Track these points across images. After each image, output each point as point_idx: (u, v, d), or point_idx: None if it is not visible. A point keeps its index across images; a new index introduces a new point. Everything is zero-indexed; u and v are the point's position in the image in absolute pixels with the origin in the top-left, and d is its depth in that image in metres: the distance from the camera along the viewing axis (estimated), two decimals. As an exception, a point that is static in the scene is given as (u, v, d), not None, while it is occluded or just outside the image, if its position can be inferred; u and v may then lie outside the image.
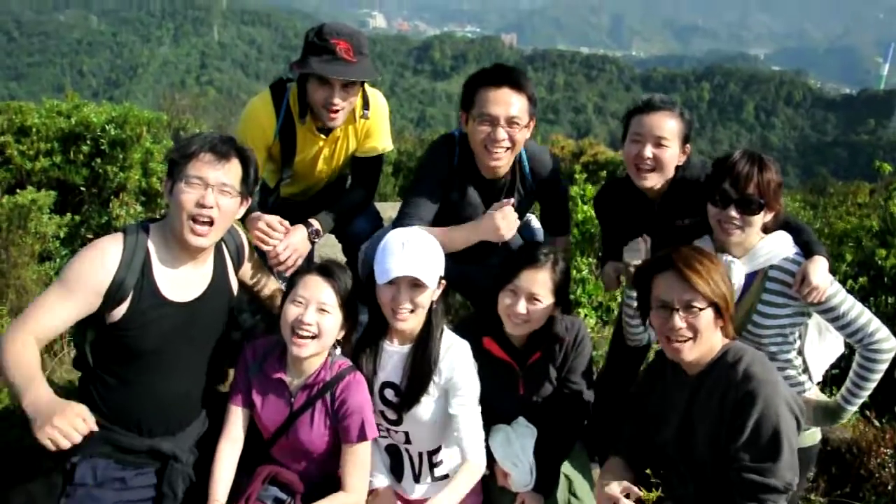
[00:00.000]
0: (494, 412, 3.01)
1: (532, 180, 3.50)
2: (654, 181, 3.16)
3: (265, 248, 3.16)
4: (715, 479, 2.49)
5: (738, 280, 2.86)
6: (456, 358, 2.80)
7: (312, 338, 2.66)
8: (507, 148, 3.23)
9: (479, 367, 2.89)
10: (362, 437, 2.69)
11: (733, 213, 2.82)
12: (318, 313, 2.67)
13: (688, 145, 3.23)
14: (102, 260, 2.54)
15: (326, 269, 2.75)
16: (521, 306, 2.90)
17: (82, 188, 6.21)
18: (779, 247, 2.89)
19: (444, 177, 3.39)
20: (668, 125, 3.12)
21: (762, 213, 2.83)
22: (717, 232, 2.92)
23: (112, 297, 2.54)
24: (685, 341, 2.50)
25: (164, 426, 2.76)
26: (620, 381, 3.69)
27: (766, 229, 2.92)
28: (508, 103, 3.18)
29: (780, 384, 2.46)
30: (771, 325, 2.89)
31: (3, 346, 2.44)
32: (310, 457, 2.77)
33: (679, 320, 2.49)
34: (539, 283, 2.91)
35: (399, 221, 3.28)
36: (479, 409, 2.82)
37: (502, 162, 3.29)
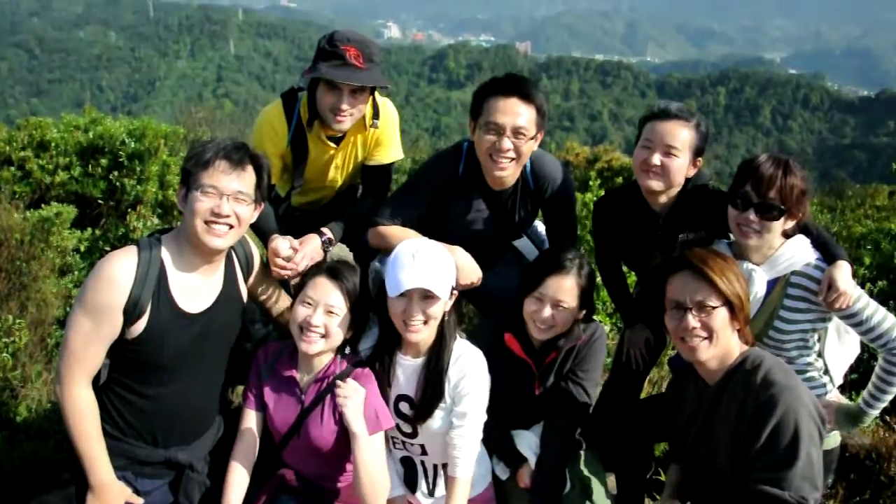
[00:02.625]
0: (508, 411, 3.00)
1: (538, 192, 3.47)
2: (659, 186, 3.13)
3: (279, 273, 3.15)
4: (734, 490, 2.46)
5: (761, 288, 2.83)
6: (466, 366, 2.79)
7: (321, 337, 2.69)
8: (512, 159, 3.22)
9: (497, 364, 2.88)
10: (373, 428, 2.68)
11: (752, 216, 2.79)
12: (326, 315, 2.70)
13: (699, 159, 3.18)
14: (118, 279, 2.54)
15: (335, 271, 2.78)
16: (547, 312, 2.91)
17: (100, 201, 6.29)
18: (800, 252, 2.86)
19: (440, 188, 3.37)
20: (681, 135, 3.09)
21: (782, 219, 2.79)
22: (736, 235, 2.89)
23: (130, 314, 2.56)
24: (701, 340, 2.48)
25: (180, 437, 2.79)
26: (625, 391, 3.68)
27: (787, 234, 2.88)
28: (516, 113, 3.17)
29: (801, 390, 2.41)
30: (793, 330, 2.86)
31: (69, 401, 2.54)
32: (321, 456, 2.77)
33: (693, 319, 2.46)
34: (565, 289, 2.91)
35: (374, 217, 3.31)
36: (481, 420, 2.80)
37: (506, 173, 3.28)
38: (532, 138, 3.23)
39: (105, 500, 2.58)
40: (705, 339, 2.47)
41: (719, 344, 2.48)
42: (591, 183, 7.67)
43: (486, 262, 3.46)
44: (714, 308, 2.45)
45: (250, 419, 2.82)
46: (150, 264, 2.60)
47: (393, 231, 3.22)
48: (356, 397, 2.62)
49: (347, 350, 2.86)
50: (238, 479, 2.71)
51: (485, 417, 2.80)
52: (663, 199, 3.19)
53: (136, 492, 2.72)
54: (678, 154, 3.08)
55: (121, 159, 6.30)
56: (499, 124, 3.16)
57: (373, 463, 2.63)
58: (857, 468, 3.99)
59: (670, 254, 2.85)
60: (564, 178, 3.51)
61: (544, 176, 3.44)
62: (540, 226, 3.86)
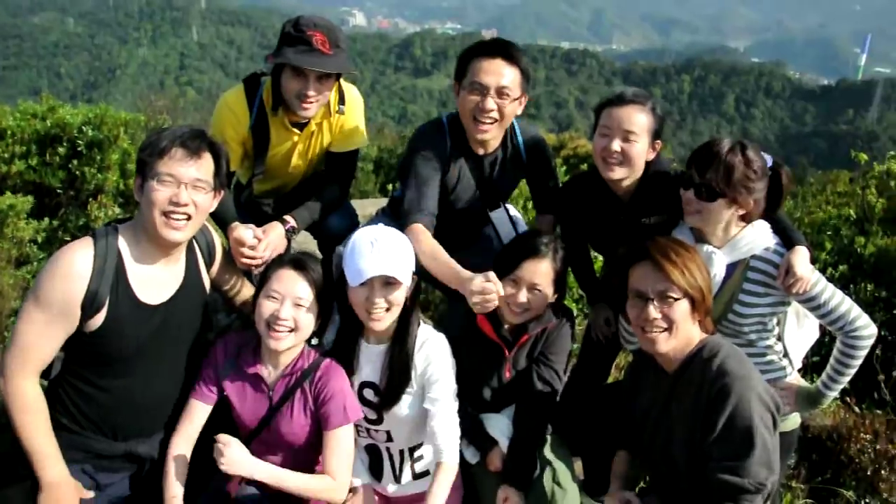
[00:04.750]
0: (480, 395, 2.99)
1: (523, 156, 3.47)
2: (621, 174, 3.13)
3: (244, 263, 3.08)
4: (690, 478, 2.48)
5: (720, 271, 2.85)
6: (432, 352, 2.77)
7: (289, 331, 2.64)
8: (495, 120, 3.21)
9: (469, 348, 2.86)
10: (343, 421, 2.65)
11: (691, 196, 2.81)
12: (294, 308, 2.64)
13: (658, 141, 3.19)
14: (75, 273, 2.46)
15: (300, 263, 2.72)
16: (523, 296, 2.91)
17: (59, 191, 6.14)
18: (759, 237, 2.88)
19: (441, 161, 3.33)
20: (638, 119, 3.09)
21: (723, 202, 2.77)
22: (684, 215, 2.91)
23: (88, 307, 2.48)
24: (661, 332, 2.48)
25: (140, 429, 2.73)
26: (592, 376, 3.71)
27: (748, 219, 2.90)
28: (500, 74, 3.17)
29: (754, 379, 2.43)
30: (751, 314, 2.89)
31: (14, 394, 2.45)
32: (290, 448, 2.73)
33: (654, 310, 2.47)
34: (540, 273, 2.91)
35: (407, 217, 3.18)
36: (455, 405, 2.78)
37: (489, 135, 3.27)
38: (516, 100, 3.23)
39: (56, 498, 2.49)
40: (665, 330, 2.48)
41: (679, 335, 2.49)
42: (556, 170, 7.68)
43: (464, 241, 3.44)
44: (676, 300, 2.46)
45: (196, 409, 2.73)
46: (107, 256, 2.52)
47: (434, 252, 3.06)
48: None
49: (314, 341, 2.81)
50: (179, 469, 2.63)
51: (456, 401, 2.78)
52: (626, 183, 3.20)
53: (97, 485, 2.65)
54: (636, 139, 3.08)
55: (80, 148, 6.15)
56: (483, 84, 3.15)
57: (344, 456, 2.64)
58: (818, 449, 4.08)
59: (634, 238, 2.86)
60: (544, 144, 3.55)
61: (527, 139, 3.46)
62: (511, 209, 3.86)
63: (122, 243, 2.60)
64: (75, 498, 2.54)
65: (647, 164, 3.21)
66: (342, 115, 3.56)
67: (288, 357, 2.74)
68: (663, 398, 2.59)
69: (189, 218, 2.56)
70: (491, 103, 3.16)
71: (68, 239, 5.61)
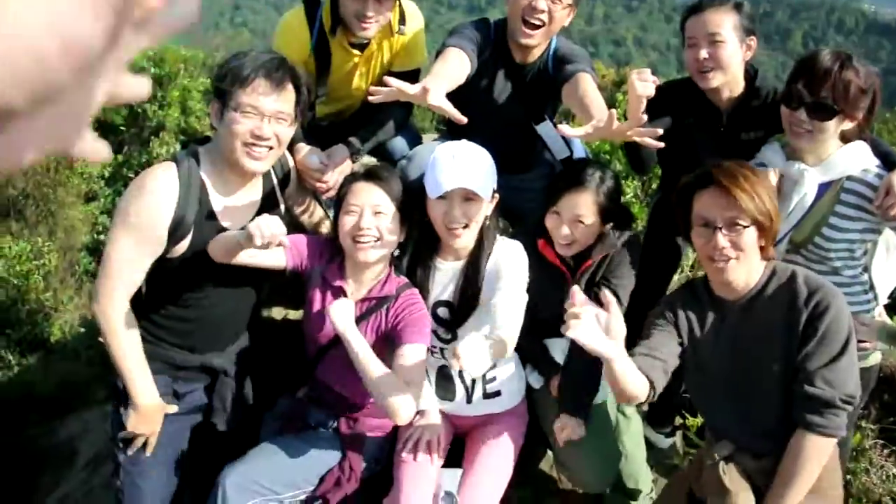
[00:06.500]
0: (543, 320, 2.94)
1: (550, 69, 3.29)
2: (717, 81, 2.98)
3: (314, 186, 3.07)
4: (781, 399, 2.41)
5: (811, 190, 2.72)
6: (502, 256, 2.69)
7: (376, 240, 2.59)
8: (544, 24, 3.09)
9: (533, 272, 2.77)
10: (419, 339, 2.59)
11: (803, 116, 2.65)
12: (375, 217, 2.59)
13: (752, 38, 3.02)
14: (163, 197, 2.45)
15: (373, 173, 2.68)
16: (565, 229, 2.82)
17: (122, 128, 6.26)
18: (858, 157, 2.71)
19: (482, 37, 3.20)
20: (721, 21, 2.94)
21: (836, 120, 2.63)
22: (788, 135, 2.75)
23: (174, 233, 2.48)
24: (728, 261, 2.39)
25: (214, 343, 2.80)
26: (646, 302, 3.62)
27: (846, 138, 2.73)
28: None
29: (841, 297, 2.36)
30: (841, 238, 2.74)
31: (106, 317, 2.50)
32: (356, 370, 2.74)
33: (722, 239, 2.36)
34: (582, 205, 2.79)
35: (442, 47, 3.08)
36: (523, 298, 2.62)
37: (534, 40, 3.15)
38: (568, 6, 3.11)
39: (149, 419, 2.60)
40: (734, 258, 2.38)
41: (747, 263, 2.40)
42: (617, 105, 7.51)
43: (520, 162, 3.36)
44: (745, 227, 2.35)
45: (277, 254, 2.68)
46: (190, 182, 2.51)
47: (450, 58, 2.95)
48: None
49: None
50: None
51: (525, 298, 2.66)
52: (726, 93, 3.06)
53: (175, 393, 2.74)
54: (724, 39, 2.94)
55: (141, 85, 6.24)
56: None
57: (417, 366, 2.54)
58: (890, 389, 3.96)
59: (731, 152, 2.74)
60: (574, 53, 3.28)
61: (555, 49, 3.29)
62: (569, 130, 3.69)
63: (204, 169, 2.58)
64: (161, 417, 2.65)
65: (751, 76, 3.07)
66: (403, 36, 3.47)
67: (372, 276, 2.71)
68: (733, 327, 2.51)
69: (271, 149, 2.53)
70: (543, 3, 3.04)
71: (132, 176, 5.74)
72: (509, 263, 2.68)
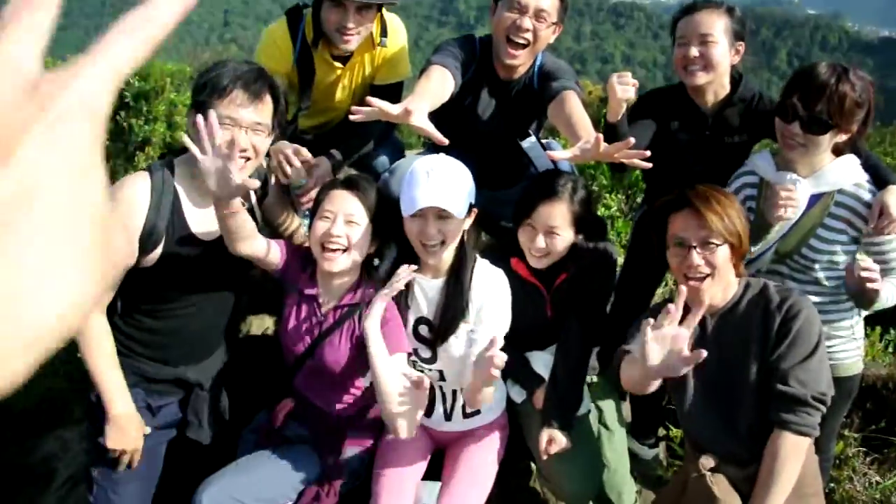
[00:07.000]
0: (522, 335, 2.94)
1: (535, 84, 3.29)
2: (704, 79, 3.00)
3: (283, 178, 3.04)
4: (748, 404, 2.46)
5: (803, 200, 2.74)
6: (491, 287, 2.70)
7: (343, 251, 2.59)
8: (528, 42, 3.10)
9: (510, 287, 2.79)
10: (396, 347, 2.57)
11: (797, 129, 2.67)
12: (347, 225, 2.59)
13: (740, 43, 3.04)
14: (135, 204, 2.43)
15: (352, 183, 2.67)
16: (540, 241, 2.81)
17: (107, 142, 6.23)
18: (849, 171, 2.73)
19: (467, 53, 3.20)
20: (713, 22, 2.97)
21: (830, 133, 2.64)
22: (781, 147, 2.77)
23: (146, 242, 2.47)
24: (703, 278, 2.46)
25: (189, 356, 2.77)
26: (630, 314, 3.62)
27: (839, 150, 2.75)
28: None
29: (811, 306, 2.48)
30: (826, 250, 2.77)
31: (85, 328, 2.44)
32: (333, 381, 2.70)
33: (697, 256, 2.44)
34: (556, 216, 2.80)
35: (426, 64, 3.06)
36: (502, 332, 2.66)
37: (518, 60, 3.16)
38: (552, 25, 3.13)
39: (126, 430, 2.55)
40: (708, 275, 2.45)
41: (721, 280, 2.48)
42: (601, 122, 7.52)
43: (505, 177, 3.36)
44: (717, 246, 2.43)
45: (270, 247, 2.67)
46: (163, 191, 2.50)
47: (434, 76, 2.95)
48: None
49: (374, 269, 2.74)
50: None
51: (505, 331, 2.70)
52: (711, 96, 3.08)
53: (149, 406, 2.71)
54: (714, 41, 2.96)
55: (127, 99, 6.22)
56: (522, 3, 3.05)
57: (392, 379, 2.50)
58: (873, 398, 3.97)
59: (713, 156, 2.81)
60: (558, 69, 3.27)
61: (540, 66, 3.28)
62: (554, 143, 3.75)
63: (178, 178, 2.57)
64: (140, 430, 2.60)
65: (735, 81, 3.10)
66: (384, 48, 3.47)
67: (343, 285, 2.70)
68: (711, 340, 2.53)
69: (248, 160, 2.51)
70: (528, 23, 3.06)
71: (116, 189, 5.71)
72: (497, 302, 2.69)
